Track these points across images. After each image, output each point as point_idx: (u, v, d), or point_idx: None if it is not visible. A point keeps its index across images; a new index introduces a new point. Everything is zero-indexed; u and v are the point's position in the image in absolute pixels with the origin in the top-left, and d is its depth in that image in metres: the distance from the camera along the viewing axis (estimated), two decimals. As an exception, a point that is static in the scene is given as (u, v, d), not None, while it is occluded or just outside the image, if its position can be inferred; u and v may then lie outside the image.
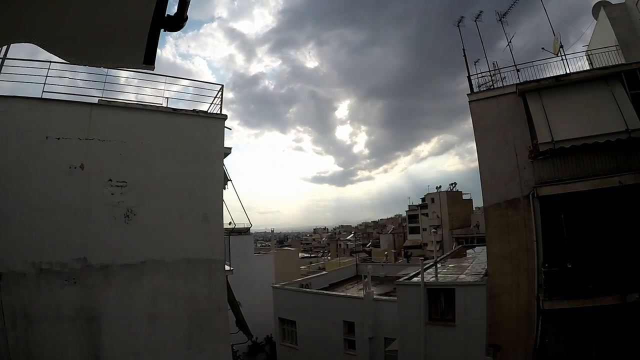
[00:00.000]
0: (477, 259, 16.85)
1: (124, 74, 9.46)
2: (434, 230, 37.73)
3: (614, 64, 10.83)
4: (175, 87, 9.63)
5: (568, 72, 11.02)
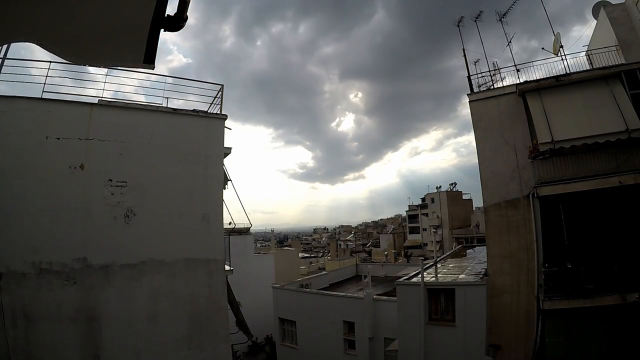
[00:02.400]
0: (477, 258, 16.85)
1: (124, 74, 9.47)
2: (434, 230, 37.73)
3: (614, 64, 10.83)
4: (174, 87, 9.63)
5: (568, 72, 11.04)
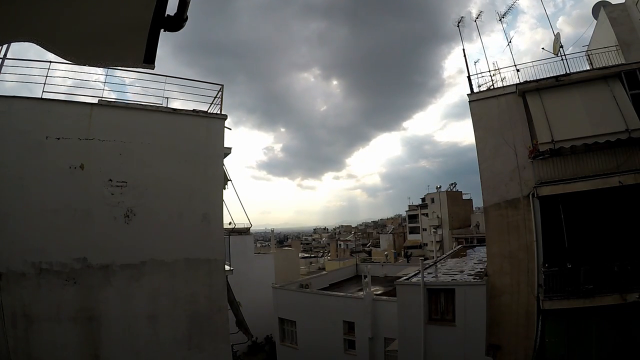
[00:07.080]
0: (477, 258, 16.86)
1: (124, 74, 9.47)
2: (434, 230, 37.75)
3: (614, 64, 10.83)
4: (175, 87, 9.66)
5: (568, 72, 11.04)
